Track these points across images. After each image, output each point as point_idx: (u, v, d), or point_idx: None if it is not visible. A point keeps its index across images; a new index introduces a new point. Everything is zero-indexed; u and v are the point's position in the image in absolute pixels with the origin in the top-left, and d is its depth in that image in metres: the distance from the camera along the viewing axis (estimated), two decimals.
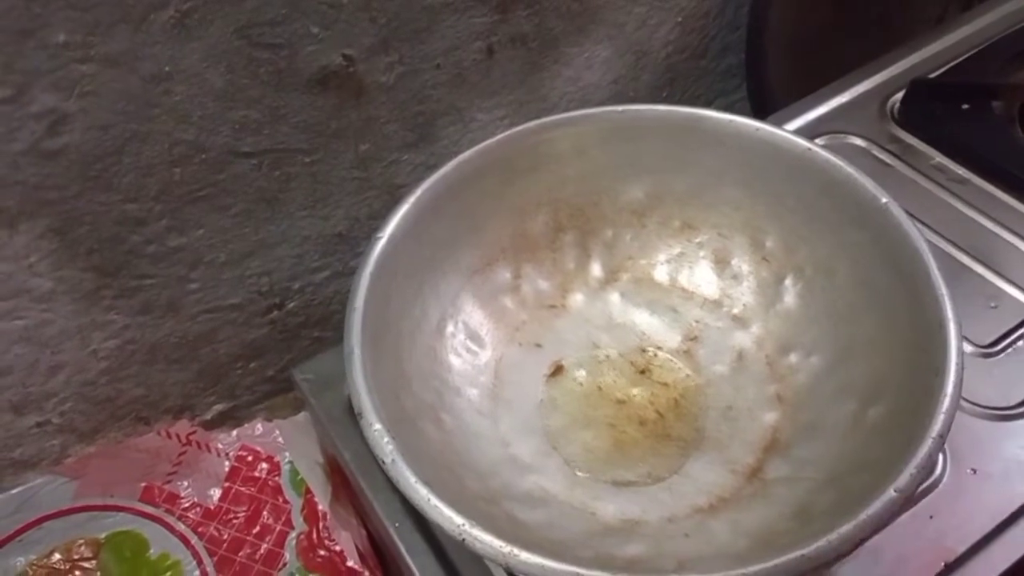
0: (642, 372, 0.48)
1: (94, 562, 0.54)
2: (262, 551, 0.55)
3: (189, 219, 0.52)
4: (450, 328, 0.47)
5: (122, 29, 0.43)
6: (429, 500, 0.34)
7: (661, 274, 0.51)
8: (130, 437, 0.60)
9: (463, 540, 0.33)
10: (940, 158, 0.58)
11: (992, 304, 0.50)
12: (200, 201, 0.51)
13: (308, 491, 0.56)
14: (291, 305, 0.61)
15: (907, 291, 0.40)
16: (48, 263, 0.48)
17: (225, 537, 0.56)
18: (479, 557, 0.38)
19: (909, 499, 0.34)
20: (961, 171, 0.57)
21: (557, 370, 0.48)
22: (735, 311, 0.49)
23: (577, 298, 0.50)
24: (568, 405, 0.46)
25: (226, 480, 0.58)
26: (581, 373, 0.48)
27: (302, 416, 0.60)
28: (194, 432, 0.60)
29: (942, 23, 0.69)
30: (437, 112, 0.58)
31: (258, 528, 0.56)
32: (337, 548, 0.54)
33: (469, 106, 0.59)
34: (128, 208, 0.49)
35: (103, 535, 0.55)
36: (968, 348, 0.48)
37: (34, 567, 0.54)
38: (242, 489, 0.58)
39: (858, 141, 0.60)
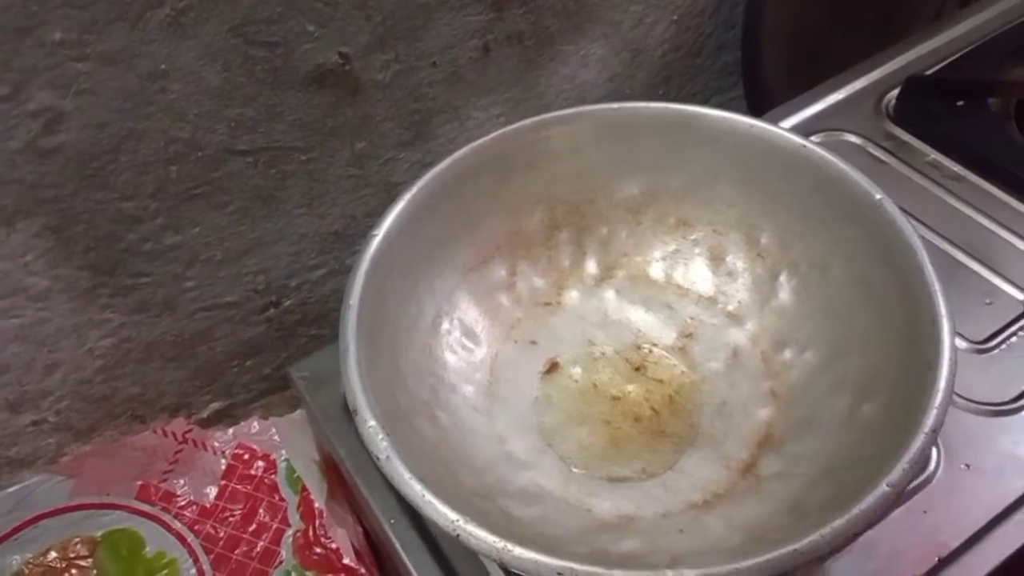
0: (637, 369, 0.48)
1: (90, 560, 0.54)
2: (258, 549, 0.55)
3: (185, 217, 0.52)
4: (446, 325, 0.47)
5: (118, 27, 0.43)
6: (423, 496, 0.34)
7: (656, 271, 0.51)
8: (126, 435, 0.60)
9: (457, 536, 0.33)
10: (935, 155, 0.58)
11: (987, 300, 0.51)
12: (196, 199, 0.51)
13: (304, 489, 0.56)
14: (287, 303, 0.61)
15: (901, 287, 0.40)
16: (44, 261, 0.48)
17: (221, 535, 0.56)
18: (474, 553, 0.39)
19: (902, 494, 0.34)
20: (956, 168, 0.57)
21: (552, 367, 0.48)
22: (730, 308, 0.49)
23: (572, 295, 0.51)
24: (563, 402, 0.47)
25: (222, 478, 0.58)
26: (576, 370, 0.48)
27: (298, 414, 0.60)
28: (190, 430, 0.60)
29: (938, 20, 0.69)
30: (433, 110, 0.58)
31: (254, 526, 0.56)
32: (333, 545, 0.54)
33: (465, 104, 0.59)
34: (124, 206, 0.49)
35: (99, 533, 0.55)
36: (962, 344, 0.48)
37: (30, 565, 0.54)
38: (238, 487, 0.58)
39: (853, 138, 0.60)
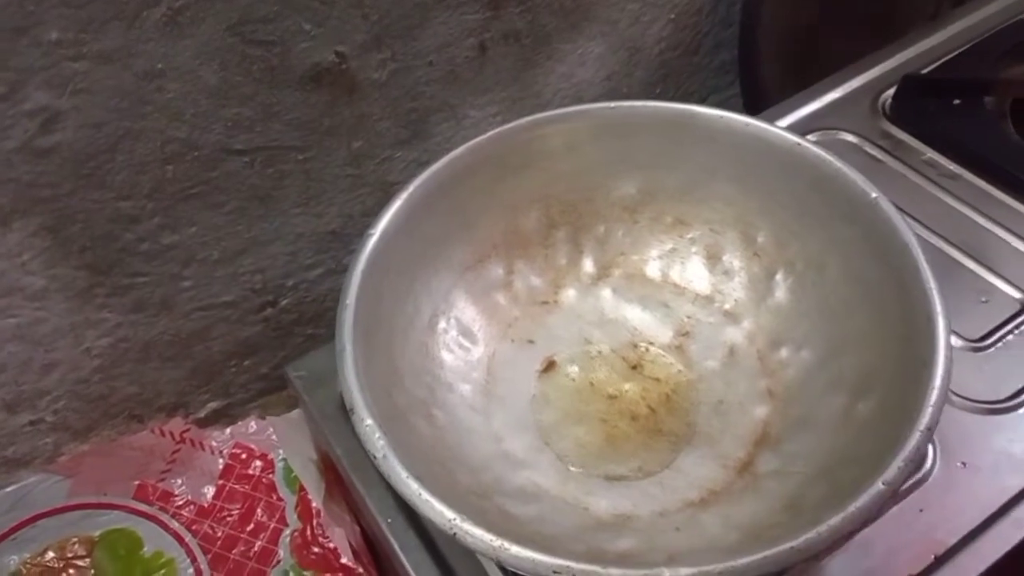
0: (634, 367, 0.48)
1: (88, 560, 0.54)
2: (256, 548, 0.55)
3: (182, 217, 0.52)
4: (442, 324, 0.47)
5: (115, 26, 0.43)
6: (420, 495, 0.34)
7: (653, 270, 0.51)
8: (124, 435, 0.60)
9: (454, 534, 0.33)
10: (931, 154, 0.58)
11: (983, 299, 0.51)
12: (193, 199, 0.51)
13: (302, 488, 0.56)
14: (285, 302, 0.61)
15: (897, 285, 0.40)
16: (41, 261, 0.48)
17: (219, 535, 0.56)
18: (471, 553, 0.39)
19: (898, 491, 0.34)
20: (952, 167, 0.57)
21: (549, 366, 0.48)
22: (727, 306, 0.49)
23: (569, 294, 0.51)
24: (560, 401, 0.47)
25: (220, 478, 0.58)
26: (573, 369, 0.48)
27: (296, 413, 0.60)
28: (188, 430, 0.60)
29: (934, 19, 0.69)
30: (430, 109, 0.58)
31: (252, 525, 0.56)
32: (331, 545, 0.54)
33: (462, 103, 0.59)
34: (121, 206, 0.49)
35: (97, 533, 0.55)
36: (958, 342, 0.48)
37: (28, 566, 0.54)
38: (236, 487, 0.58)
39: (850, 137, 0.60)
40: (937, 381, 0.35)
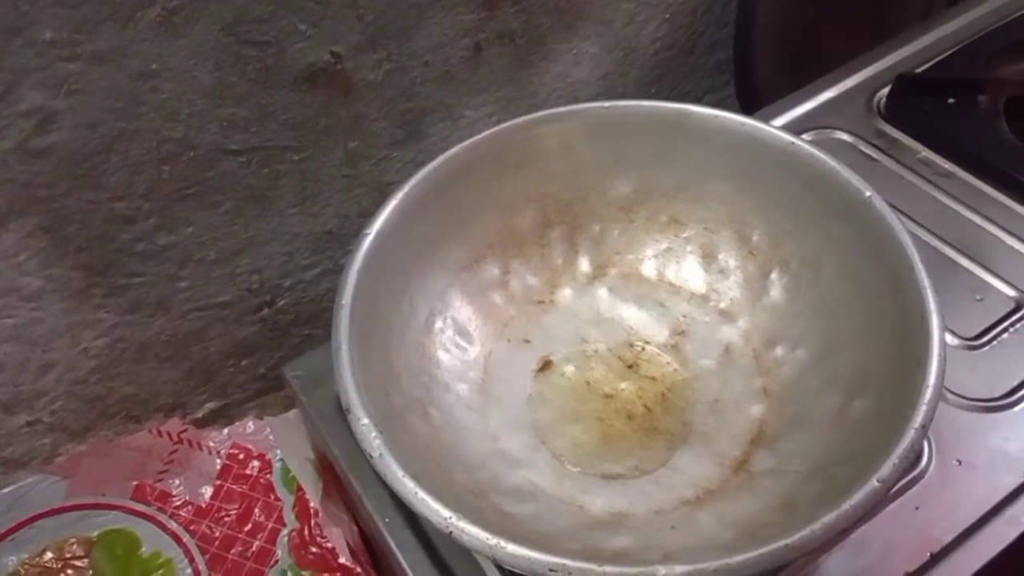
0: (630, 367, 0.48)
1: (86, 560, 0.54)
2: (254, 548, 0.56)
3: (178, 217, 0.52)
4: (438, 324, 0.47)
5: (109, 27, 0.43)
6: (416, 493, 0.34)
7: (649, 269, 0.51)
8: (121, 435, 0.60)
9: (450, 533, 0.33)
10: (926, 152, 0.58)
11: (977, 297, 0.51)
12: (189, 199, 0.51)
13: (299, 488, 0.56)
14: (281, 303, 0.61)
15: (891, 284, 0.41)
16: (37, 261, 0.48)
17: (217, 535, 0.56)
18: (469, 551, 0.39)
19: (892, 489, 0.34)
20: (947, 165, 0.58)
21: (545, 365, 0.48)
22: (722, 305, 0.49)
23: (565, 293, 0.51)
24: (556, 400, 0.47)
25: (217, 478, 0.58)
26: (569, 368, 0.48)
27: (293, 414, 0.60)
28: (185, 430, 0.60)
29: (928, 18, 0.69)
30: (426, 109, 0.58)
31: (250, 526, 0.56)
32: (329, 545, 0.54)
33: (457, 103, 0.59)
34: (117, 206, 0.49)
35: (95, 533, 0.55)
36: (953, 341, 0.48)
37: (26, 566, 0.54)
38: (234, 487, 0.58)
39: (845, 136, 0.60)
40: (931, 379, 0.36)
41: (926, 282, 0.39)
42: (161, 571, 0.54)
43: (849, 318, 0.43)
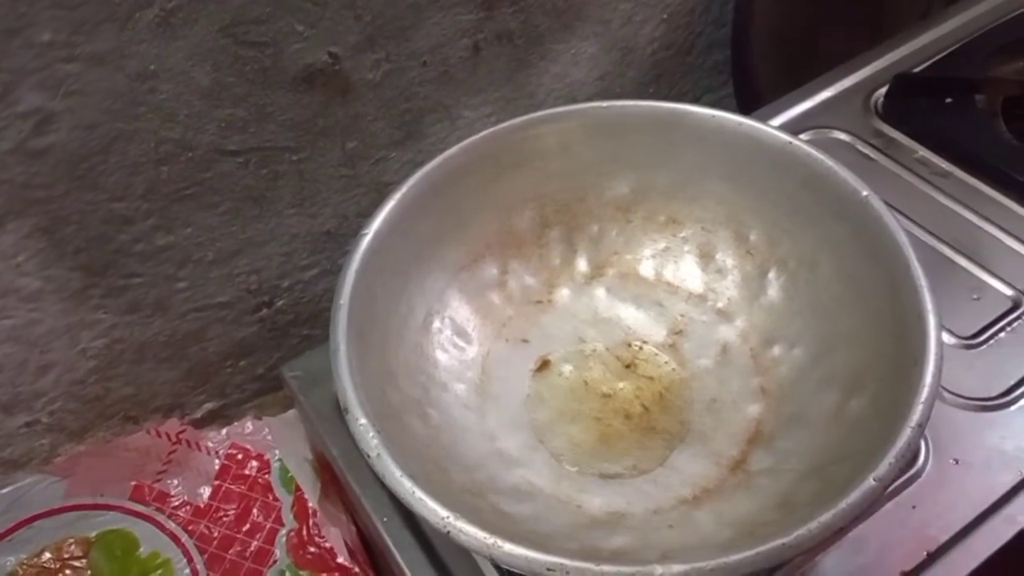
0: (628, 366, 0.48)
1: (84, 561, 0.54)
2: (252, 548, 0.56)
3: (176, 218, 0.52)
4: (436, 324, 0.47)
5: (107, 28, 0.43)
6: (414, 493, 0.34)
7: (646, 269, 0.51)
8: (120, 436, 0.60)
9: (448, 532, 0.33)
10: (923, 152, 0.59)
11: (975, 296, 0.51)
12: (187, 200, 0.51)
13: (298, 488, 0.56)
14: (280, 303, 0.61)
15: (888, 283, 0.41)
16: (36, 262, 0.48)
17: (215, 535, 0.56)
18: (467, 551, 0.39)
19: (888, 488, 0.34)
20: (944, 165, 0.58)
21: (543, 365, 0.48)
22: (720, 305, 0.49)
23: (563, 293, 0.51)
24: (554, 399, 0.47)
25: (216, 478, 0.58)
26: (567, 368, 0.48)
27: (291, 414, 0.60)
28: (184, 431, 0.60)
29: (926, 18, 0.70)
30: (424, 109, 0.58)
31: (248, 526, 0.56)
32: (327, 544, 0.54)
33: (456, 103, 0.59)
34: (115, 207, 0.49)
35: (93, 534, 0.55)
36: (951, 340, 0.48)
37: (24, 566, 0.54)
38: (232, 487, 0.58)
39: (842, 136, 0.60)
40: (928, 378, 0.36)
41: (923, 281, 0.39)
42: (159, 571, 0.54)
43: (846, 317, 0.43)
